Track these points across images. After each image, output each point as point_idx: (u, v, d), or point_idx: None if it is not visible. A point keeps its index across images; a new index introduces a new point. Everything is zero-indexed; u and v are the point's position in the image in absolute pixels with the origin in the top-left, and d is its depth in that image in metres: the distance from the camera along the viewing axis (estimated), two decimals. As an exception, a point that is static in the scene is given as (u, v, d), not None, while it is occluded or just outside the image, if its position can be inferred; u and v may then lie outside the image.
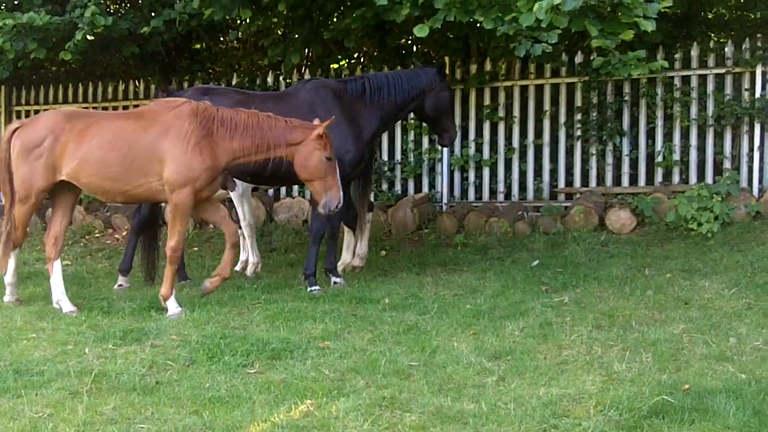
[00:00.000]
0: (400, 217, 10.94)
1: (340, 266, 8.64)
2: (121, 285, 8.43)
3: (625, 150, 11.14)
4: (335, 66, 13.30)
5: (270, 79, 12.52)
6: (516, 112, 11.61)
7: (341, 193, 7.36)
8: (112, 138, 7.20)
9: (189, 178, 7.14)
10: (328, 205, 7.29)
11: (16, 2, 10.21)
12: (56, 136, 7.28)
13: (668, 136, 10.99)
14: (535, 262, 8.97)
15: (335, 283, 8.28)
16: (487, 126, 11.70)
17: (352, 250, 9.01)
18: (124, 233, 11.61)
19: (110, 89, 13.64)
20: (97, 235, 12.16)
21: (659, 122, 10.98)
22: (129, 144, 7.17)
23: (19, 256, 8.02)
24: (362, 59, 13.55)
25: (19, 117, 14.20)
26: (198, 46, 14.35)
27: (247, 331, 6.45)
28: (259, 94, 8.43)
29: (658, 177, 10.98)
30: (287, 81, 12.27)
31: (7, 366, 5.72)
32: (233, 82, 12.79)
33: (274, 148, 7.25)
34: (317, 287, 7.97)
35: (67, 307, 7.39)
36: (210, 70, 14.51)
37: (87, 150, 7.21)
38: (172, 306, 7.17)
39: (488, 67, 11.59)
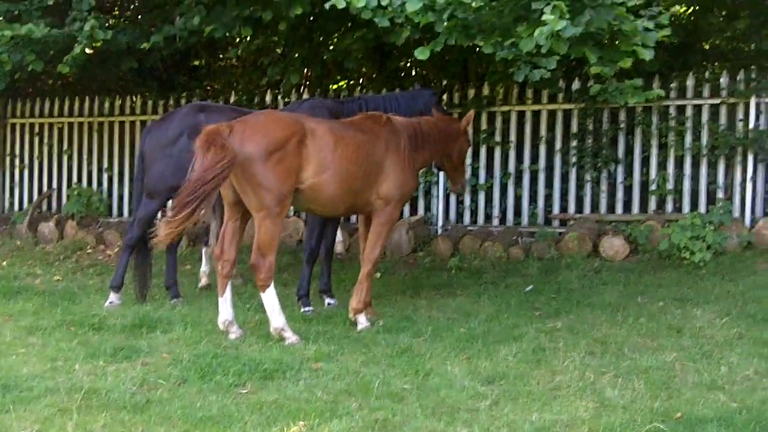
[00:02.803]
0: (395, 239, 10.92)
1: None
2: (112, 302, 8.35)
3: (620, 177, 11.16)
4: (334, 87, 13.35)
5: (268, 98, 12.52)
6: (512, 137, 11.63)
7: None
8: (354, 150, 7.06)
9: (405, 194, 7.51)
10: (464, 185, 8.55)
11: (15, 13, 10.13)
12: (300, 140, 6.77)
13: (662, 165, 11.01)
14: (529, 288, 8.95)
15: (329, 304, 8.25)
16: (483, 150, 11.71)
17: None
18: (116, 249, 11.55)
19: (107, 104, 13.58)
20: (89, 250, 12.10)
21: (654, 150, 11.01)
22: (366, 157, 7.13)
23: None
24: (361, 81, 13.59)
25: (14, 130, 14.20)
26: (197, 62, 14.40)
27: (240, 351, 6.40)
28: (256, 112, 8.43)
29: (652, 205, 10.99)
30: (285, 100, 12.28)
31: (-4, 381, 5.63)
32: (231, 100, 12.79)
33: (442, 149, 7.90)
34: (310, 308, 7.94)
35: (233, 333, 6.90)
36: (208, 88, 14.56)
37: (338, 161, 6.93)
38: (363, 320, 7.22)
39: (486, 91, 11.62)
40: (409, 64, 13.05)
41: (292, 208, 9.07)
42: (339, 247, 9.86)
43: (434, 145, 7.75)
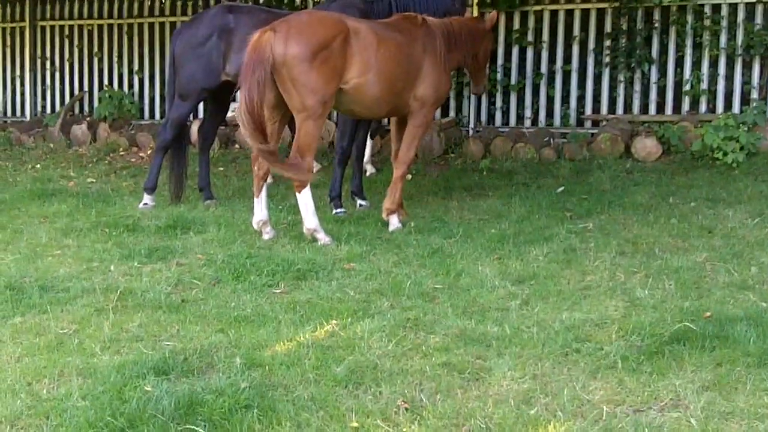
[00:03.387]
0: (426, 141, 10.85)
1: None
2: (146, 204, 8.40)
3: (653, 78, 10.99)
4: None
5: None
6: (545, 37, 11.44)
7: None
8: (396, 51, 7.00)
9: (440, 96, 7.49)
10: (486, 86, 8.69)
11: None
12: (345, 39, 6.65)
13: (697, 65, 10.82)
14: (560, 189, 8.91)
15: (361, 205, 8.27)
16: (515, 51, 11.54)
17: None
18: (149, 152, 11.59)
19: (136, 5, 13.48)
20: (122, 153, 12.17)
21: (688, 51, 10.81)
22: (407, 58, 7.08)
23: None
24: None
25: (44, 33, 14.14)
26: (226, -37, 14.13)
27: (273, 252, 6.45)
28: (285, 13, 8.31)
29: (685, 106, 10.84)
30: (315, 0, 12.08)
31: (32, 282, 5.71)
32: (261, 0, 12.61)
33: (471, 48, 7.77)
34: (342, 209, 7.96)
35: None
36: (239, -12, 14.31)
37: (381, 61, 6.85)
38: (395, 221, 7.24)
39: (519, -10, 11.38)
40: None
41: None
42: (369, 168, 9.82)
43: (464, 45, 7.64)
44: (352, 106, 7.04)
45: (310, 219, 6.80)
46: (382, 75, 6.86)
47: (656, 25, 10.91)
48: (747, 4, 10.51)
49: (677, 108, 10.89)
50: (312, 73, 6.51)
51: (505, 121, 11.69)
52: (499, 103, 11.66)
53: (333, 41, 6.59)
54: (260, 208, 6.94)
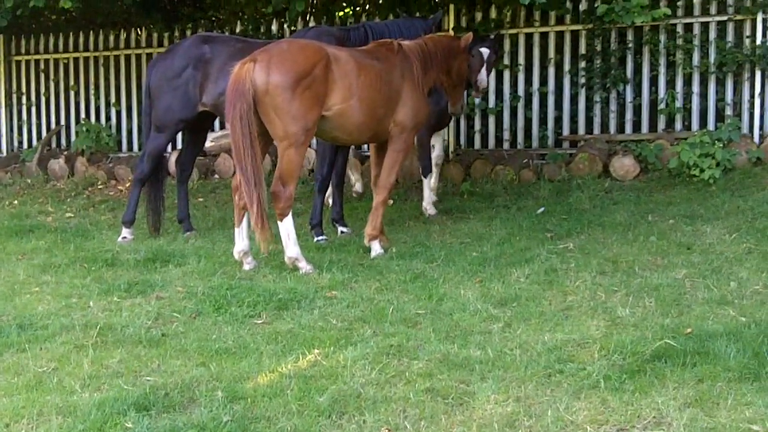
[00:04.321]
0: (406, 165, 10.86)
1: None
2: (125, 237, 8.37)
3: (629, 97, 11.07)
4: (341, 14, 13.15)
5: (274, 27, 12.37)
6: (521, 60, 11.51)
7: None
8: (376, 78, 7.03)
9: (419, 121, 7.47)
10: (463, 107, 8.41)
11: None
12: (326, 66, 6.71)
13: (671, 84, 10.91)
14: (541, 210, 8.94)
15: (342, 232, 8.27)
16: (492, 74, 11.57)
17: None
18: (127, 184, 11.55)
19: (111, 37, 13.43)
20: (100, 186, 12.11)
21: (662, 69, 10.90)
22: (387, 85, 7.12)
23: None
24: (367, 7, 13.40)
25: (19, 67, 14.10)
26: (201, -8, 14.21)
27: (254, 282, 6.43)
28: (262, 42, 8.33)
29: (661, 124, 10.91)
30: (291, 29, 12.13)
31: (10, 320, 5.65)
32: (237, 30, 12.64)
33: (445, 66, 7.72)
34: (324, 237, 7.95)
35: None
36: (213, 18, 14.36)
37: (362, 87, 6.91)
38: (376, 247, 7.23)
39: (493, 14, 11.45)
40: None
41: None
42: (358, 186, 9.91)
43: (439, 64, 7.66)
44: (334, 133, 7.07)
45: (291, 248, 6.80)
46: (363, 101, 6.91)
47: (630, 45, 11.01)
48: (718, 22, 10.63)
49: (653, 126, 10.96)
50: (295, 100, 6.54)
51: (485, 144, 11.74)
52: (477, 126, 11.71)
53: (314, 68, 6.63)
54: (241, 238, 6.93)
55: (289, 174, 6.72)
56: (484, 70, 8.79)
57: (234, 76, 6.59)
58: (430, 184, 9.28)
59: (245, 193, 6.55)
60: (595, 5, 10.04)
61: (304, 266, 6.75)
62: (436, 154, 9.61)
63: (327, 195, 8.58)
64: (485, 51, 8.80)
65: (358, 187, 10.16)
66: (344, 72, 6.82)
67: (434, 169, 9.49)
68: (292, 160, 6.69)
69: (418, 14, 11.71)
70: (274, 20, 12.43)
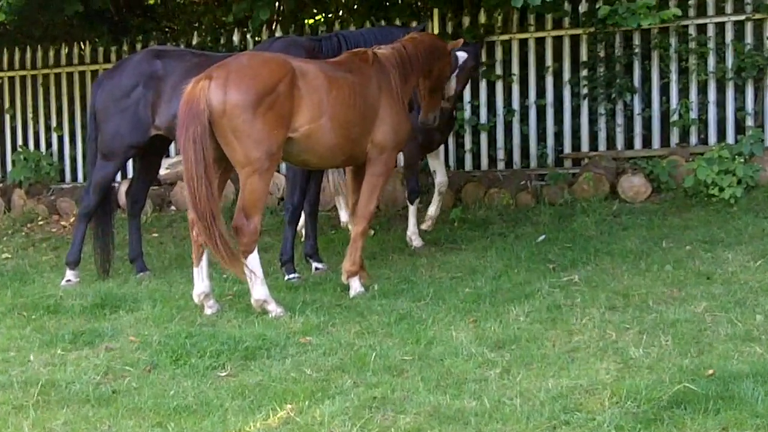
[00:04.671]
0: (388, 191, 10.89)
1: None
2: (69, 280, 8.31)
3: (637, 109, 11.15)
4: (310, 22, 13.22)
5: (236, 38, 12.43)
6: (515, 69, 11.59)
7: None
8: (349, 93, 7.04)
9: (401, 139, 7.48)
10: (436, 118, 8.09)
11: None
12: (291, 82, 6.70)
13: (684, 92, 11.00)
14: (541, 237, 8.96)
15: (317, 269, 8.26)
16: (483, 86, 11.66)
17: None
18: (71, 219, 11.48)
19: (52, 53, 13.39)
20: (41, 222, 12.04)
21: (673, 77, 10.99)
22: (362, 101, 7.12)
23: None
24: (341, 13, 13.47)
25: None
26: (152, 1, 14.20)
27: (217, 329, 6.39)
28: (220, 55, 8.35)
29: (674, 138, 10.98)
30: (256, 39, 12.17)
31: (-58, 378, 5.59)
32: (194, 42, 12.68)
33: (428, 68, 7.71)
34: (296, 275, 7.94)
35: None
36: (166, 29, 14.38)
37: (333, 105, 6.92)
38: (356, 285, 7.23)
39: (483, 19, 11.53)
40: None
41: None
42: (343, 216, 9.91)
43: (420, 67, 7.66)
44: (303, 156, 7.07)
45: (258, 288, 6.78)
46: (335, 120, 6.92)
47: (636, 50, 11.10)
48: (735, 22, 10.73)
49: (665, 141, 11.04)
50: (256, 121, 6.53)
51: (476, 165, 11.79)
52: (468, 144, 11.76)
53: (278, 84, 6.63)
54: (201, 279, 6.91)
55: (253, 205, 6.71)
56: (454, 76, 8.77)
57: (187, 95, 6.58)
58: (415, 211, 9.30)
59: (201, 229, 6.54)
60: (597, 6, 10.15)
61: (273, 309, 6.72)
62: (438, 180, 9.63)
63: (299, 226, 8.58)
64: (461, 55, 8.74)
65: (344, 216, 10.11)
66: (313, 87, 6.83)
67: (437, 197, 9.58)
68: (256, 188, 6.68)
69: (398, 21, 11.79)
70: (236, 30, 12.47)
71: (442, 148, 9.84)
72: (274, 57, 7.00)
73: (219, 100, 6.50)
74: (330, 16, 13.45)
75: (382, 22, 11.63)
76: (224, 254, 6.52)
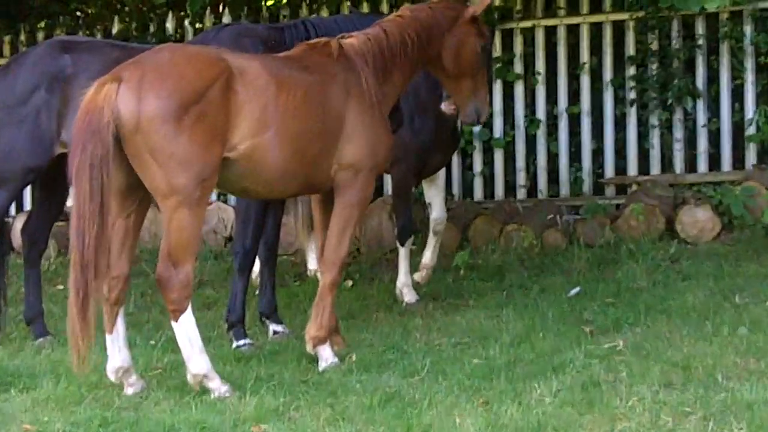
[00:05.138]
0: (372, 227, 10.91)
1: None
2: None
3: (701, 119, 11.19)
4: (269, 3, 13.26)
5: (170, 25, 12.56)
6: (540, 66, 11.67)
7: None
8: (303, 98, 6.97)
9: (380, 159, 7.37)
10: (478, 112, 7.85)
11: None
12: (227, 84, 6.63)
13: (763, 97, 11.03)
14: (575, 290, 8.99)
15: (275, 333, 8.25)
16: (497, 88, 11.69)
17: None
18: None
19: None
20: None
21: (749, 77, 11.07)
22: (321, 108, 7.05)
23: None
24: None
25: None
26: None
27: (141, 413, 6.33)
28: (147, 47, 8.32)
29: (751, 157, 11.01)
30: (197, 27, 12.21)
31: None
32: (114, 31, 12.72)
33: (429, 51, 7.60)
34: (247, 341, 7.92)
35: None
36: (78, 14, 14.39)
37: (283, 113, 6.85)
38: (327, 354, 7.21)
39: (497, 0, 11.58)
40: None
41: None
42: (311, 263, 9.85)
43: (413, 54, 7.53)
44: (245, 183, 7.00)
45: (196, 360, 6.74)
46: (286, 133, 6.83)
47: (700, 42, 11.17)
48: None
49: (739, 161, 11.09)
50: (181, 137, 6.43)
51: (489, 193, 11.83)
52: (478, 166, 11.80)
53: (209, 88, 6.55)
54: (117, 349, 6.82)
55: (182, 248, 6.60)
56: None
57: (85, 103, 6.44)
58: (408, 254, 9.28)
59: (75, 284, 6.35)
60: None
61: (216, 387, 6.69)
62: (434, 216, 9.63)
63: (253, 276, 8.56)
64: None
65: (313, 264, 10.12)
66: (255, 91, 6.74)
67: (432, 239, 9.58)
68: (185, 225, 6.57)
69: (385, 4, 11.81)
70: (170, 15, 12.51)
71: (443, 171, 9.83)
72: (204, 51, 6.95)
73: (130, 109, 6.38)
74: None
75: (364, 6, 11.63)
76: (78, 317, 6.35)
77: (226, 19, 12.16)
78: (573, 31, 11.58)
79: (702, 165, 11.21)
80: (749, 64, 11.05)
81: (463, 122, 8.33)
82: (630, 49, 11.41)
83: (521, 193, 11.66)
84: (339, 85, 7.18)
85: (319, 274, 7.49)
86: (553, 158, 11.63)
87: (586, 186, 11.47)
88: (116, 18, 13.16)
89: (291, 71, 7.05)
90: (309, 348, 7.30)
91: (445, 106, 8.28)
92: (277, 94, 6.81)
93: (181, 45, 7.92)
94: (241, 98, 6.68)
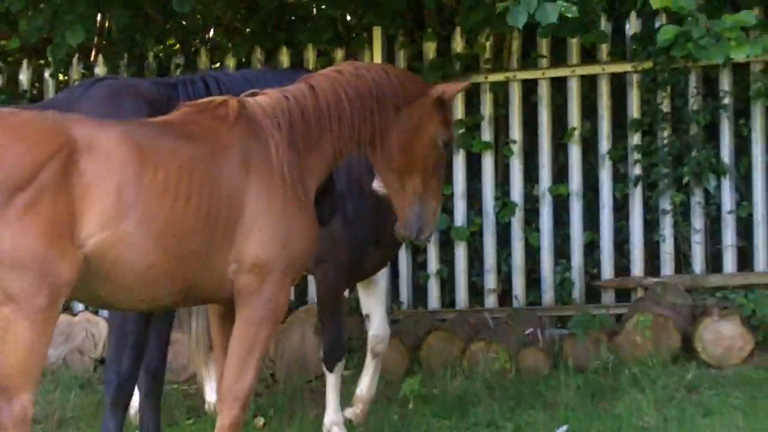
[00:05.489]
0: (292, 346, 10.83)
1: None
2: None
3: (727, 202, 11.18)
4: (158, 48, 13.29)
5: (24, 77, 12.64)
6: (515, 133, 11.67)
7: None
8: (178, 175, 6.83)
9: (297, 257, 7.16)
10: (420, 226, 7.57)
11: None
12: (68, 161, 6.57)
13: (808, 172, 11.10)
14: (561, 430, 8.90)
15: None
16: (459, 160, 11.66)
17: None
18: None
19: None
20: None
21: (789, 146, 11.10)
22: (209, 189, 6.91)
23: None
24: (212, 37, 13.65)
25: None
26: None
27: None
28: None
29: (793, 254, 11.06)
30: (62, 81, 12.17)
31: None
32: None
33: (381, 133, 7.45)
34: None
35: None
36: None
37: (148, 195, 6.74)
38: None
39: (459, 46, 11.62)
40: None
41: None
42: (209, 394, 9.78)
43: (356, 119, 7.41)
44: (99, 291, 6.90)
45: None
46: (152, 224, 6.72)
47: (725, 101, 11.19)
48: None
49: (776, 259, 11.12)
50: (6, 232, 6.44)
51: (448, 300, 11.79)
52: (433, 264, 11.78)
53: (43, 168, 6.46)
54: None
55: (18, 372, 6.45)
56: None
57: None
58: (338, 382, 9.18)
59: None
60: (657, 26, 10.26)
61: None
62: (373, 332, 9.56)
63: (132, 412, 8.46)
64: None
65: (212, 395, 10.07)
66: (108, 169, 6.65)
67: (371, 362, 9.51)
68: (23, 343, 6.44)
69: (311, 51, 11.82)
70: (25, 63, 12.50)
71: (385, 272, 9.75)
72: (38, 119, 6.81)
73: None
74: (194, 41, 13.51)
75: (284, 55, 11.65)
76: None
77: (99, 70, 12.13)
78: (558, 85, 11.60)
79: (729, 263, 11.22)
80: (789, 130, 11.13)
81: (396, 232, 7.83)
82: (634, 111, 11.42)
83: (490, 301, 11.63)
84: (234, 157, 7.04)
85: (217, 411, 7.34)
86: (532, 254, 11.61)
87: (577, 291, 11.45)
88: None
89: (163, 141, 6.89)
90: None
91: (377, 184, 8.08)
92: (139, 171, 6.66)
93: (10, 110, 7.75)
94: (88, 179, 6.57)
